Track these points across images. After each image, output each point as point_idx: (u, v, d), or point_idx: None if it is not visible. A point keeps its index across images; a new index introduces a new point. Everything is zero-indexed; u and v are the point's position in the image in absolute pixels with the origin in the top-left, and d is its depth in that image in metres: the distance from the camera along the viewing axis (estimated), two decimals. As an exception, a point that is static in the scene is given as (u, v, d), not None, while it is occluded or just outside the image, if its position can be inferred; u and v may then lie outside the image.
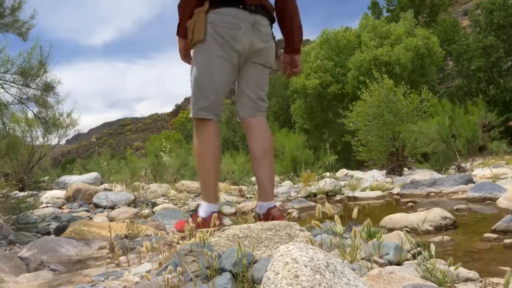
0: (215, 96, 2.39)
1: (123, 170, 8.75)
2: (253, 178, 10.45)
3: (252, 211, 2.78)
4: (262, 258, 1.60)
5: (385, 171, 8.80)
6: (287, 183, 8.33)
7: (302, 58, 28.50)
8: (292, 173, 9.68)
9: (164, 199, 6.04)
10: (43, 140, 7.24)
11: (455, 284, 1.54)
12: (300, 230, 1.98)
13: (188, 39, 2.44)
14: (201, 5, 2.36)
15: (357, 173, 9.73)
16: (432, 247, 1.52)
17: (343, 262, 1.28)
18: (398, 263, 1.87)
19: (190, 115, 2.48)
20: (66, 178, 7.88)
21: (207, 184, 2.43)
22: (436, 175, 6.40)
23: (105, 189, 6.17)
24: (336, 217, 1.74)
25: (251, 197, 6.21)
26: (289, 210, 4.35)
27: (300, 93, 28.23)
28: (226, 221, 3.75)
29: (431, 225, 2.78)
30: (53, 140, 7.27)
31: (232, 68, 2.43)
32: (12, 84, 3.45)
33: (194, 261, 1.63)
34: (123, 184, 6.66)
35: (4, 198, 3.28)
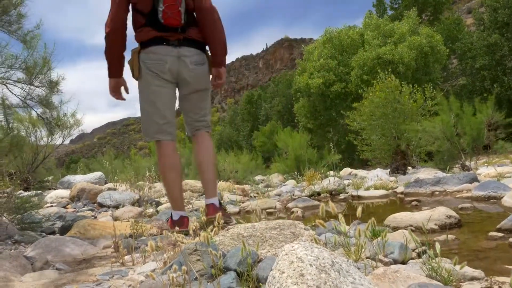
0: (162, 120, 2.80)
1: (127, 170, 8.77)
2: (257, 177, 10.47)
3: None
4: (266, 257, 1.60)
5: (389, 170, 8.77)
6: (291, 182, 8.33)
7: (305, 57, 28.70)
8: (295, 172, 9.68)
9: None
10: (48, 140, 7.27)
11: (461, 283, 1.54)
12: (305, 229, 1.98)
13: (133, 76, 2.87)
14: (124, 49, 2.80)
15: (361, 172, 9.72)
16: (437, 245, 1.51)
17: (348, 261, 1.28)
18: (403, 262, 1.87)
19: (146, 140, 2.94)
20: (70, 177, 7.91)
21: (173, 198, 2.89)
22: (440, 173, 6.37)
23: (109, 189, 6.19)
24: (340, 216, 1.74)
25: (254, 196, 6.21)
26: (293, 209, 4.35)
27: (304, 92, 28.19)
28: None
29: (435, 224, 2.77)
30: (57, 140, 7.31)
31: (170, 92, 2.85)
32: (16, 83, 3.46)
33: (198, 260, 1.63)
34: (127, 183, 6.67)
35: (9, 197, 3.29)
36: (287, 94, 39.67)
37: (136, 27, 2.80)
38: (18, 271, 2.05)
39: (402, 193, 5.30)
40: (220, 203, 2.96)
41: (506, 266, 1.79)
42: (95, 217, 4.29)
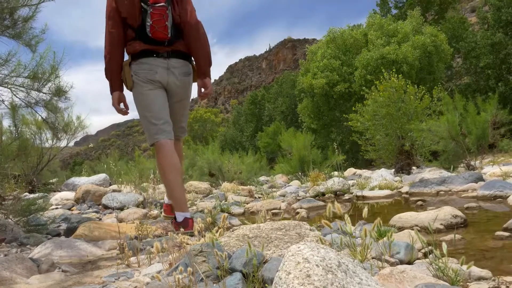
0: (158, 121, 2.94)
1: (131, 171, 8.78)
2: (261, 178, 10.46)
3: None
4: (272, 258, 1.60)
5: (393, 170, 8.75)
6: (295, 183, 8.31)
7: (309, 58, 28.67)
8: (300, 173, 9.67)
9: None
10: (52, 142, 7.29)
11: (468, 283, 1.53)
12: (310, 229, 1.98)
13: (126, 87, 3.05)
14: (122, 63, 2.97)
15: (365, 172, 9.69)
16: (444, 245, 1.50)
17: (354, 261, 1.28)
18: (409, 262, 1.86)
19: (149, 144, 3.02)
20: (75, 179, 7.93)
21: (176, 198, 2.96)
22: (445, 173, 6.35)
23: (114, 190, 6.20)
24: (346, 216, 1.74)
25: (259, 197, 6.21)
26: (298, 210, 4.34)
27: (307, 92, 28.14)
28: (235, 221, 3.75)
29: (441, 224, 2.76)
30: (62, 142, 7.32)
31: (162, 93, 3.01)
32: (21, 88, 3.48)
33: (204, 261, 1.63)
34: (131, 185, 6.69)
35: (14, 200, 3.31)
36: (291, 94, 39.63)
37: (127, 40, 2.96)
38: (24, 273, 2.06)
39: (407, 193, 5.28)
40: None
41: (514, 265, 1.78)
42: (100, 219, 4.31)
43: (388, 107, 9.17)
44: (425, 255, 1.95)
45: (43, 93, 3.63)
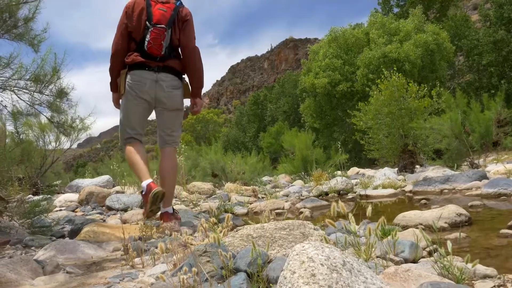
0: (132, 131, 3.43)
1: (135, 173, 8.76)
2: (264, 178, 10.45)
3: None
4: (276, 257, 1.60)
5: (396, 168, 8.73)
6: (298, 183, 8.31)
7: (311, 57, 28.67)
8: (303, 173, 9.65)
9: (176, 200, 6.05)
10: (56, 144, 7.31)
11: (473, 281, 1.52)
12: (314, 229, 1.97)
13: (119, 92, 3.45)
14: (123, 68, 3.35)
15: (369, 171, 9.67)
16: (449, 244, 1.50)
17: (358, 260, 1.27)
18: (414, 261, 1.85)
19: (120, 144, 3.48)
20: (78, 181, 7.94)
21: (138, 171, 3.29)
22: (449, 171, 6.33)
23: (117, 192, 6.20)
24: (350, 215, 1.73)
25: (262, 197, 6.20)
26: (302, 209, 4.34)
27: (309, 92, 28.13)
28: (239, 221, 3.75)
29: (445, 222, 2.75)
30: (65, 144, 7.34)
31: (143, 110, 3.42)
32: (25, 90, 3.50)
33: (208, 261, 1.63)
34: (135, 186, 6.69)
35: (19, 202, 3.32)
36: (293, 94, 39.62)
37: (129, 50, 3.36)
38: (29, 275, 2.06)
39: (410, 191, 5.27)
40: (173, 210, 3.52)
41: (519, 263, 1.78)
42: (104, 220, 4.31)
43: (390, 106, 9.15)
44: (430, 254, 1.95)
45: (46, 95, 3.65)
